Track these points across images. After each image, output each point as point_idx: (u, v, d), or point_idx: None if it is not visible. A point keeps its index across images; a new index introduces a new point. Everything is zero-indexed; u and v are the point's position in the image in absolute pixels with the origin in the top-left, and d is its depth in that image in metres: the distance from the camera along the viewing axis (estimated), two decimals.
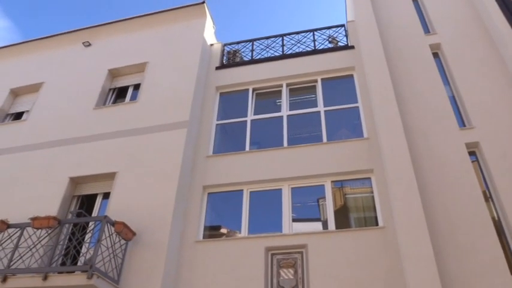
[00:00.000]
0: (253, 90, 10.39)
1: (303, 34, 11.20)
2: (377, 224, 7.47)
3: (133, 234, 7.40)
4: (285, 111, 9.70)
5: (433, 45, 9.65)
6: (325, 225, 7.93)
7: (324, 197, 8.26)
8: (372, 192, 7.97)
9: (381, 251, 7.05)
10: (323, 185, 8.30)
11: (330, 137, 8.92)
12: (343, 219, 7.98)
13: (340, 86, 10.04)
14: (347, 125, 9.50)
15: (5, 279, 6.92)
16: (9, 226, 7.60)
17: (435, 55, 9.58)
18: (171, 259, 7.46)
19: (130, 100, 10.56)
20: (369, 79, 9.06)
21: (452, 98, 8.81)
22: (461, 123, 8.36)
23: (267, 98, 10.41)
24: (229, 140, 9.92)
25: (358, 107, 9.24)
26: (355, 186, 8.49)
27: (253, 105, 10.14)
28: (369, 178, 8.15)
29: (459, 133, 8.03)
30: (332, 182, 8.30)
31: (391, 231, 7.17)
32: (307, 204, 8.68)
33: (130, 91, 10.88)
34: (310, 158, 8.52)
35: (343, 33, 10.98)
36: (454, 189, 7.33)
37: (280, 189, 8.39)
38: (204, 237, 8.14)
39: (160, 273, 7.06)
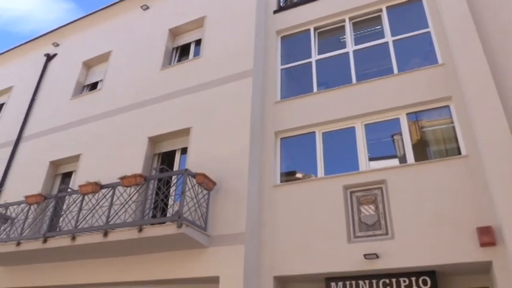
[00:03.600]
0: (315, 29, 10.02)
1: None
2: (459, 154, 7.09)
3: (214, 184, 7.72)
4: (350, 47, 9.28)
5: None
6: (402, 160, 7.68)
7: (398, 133, 7.96)
8: (451, 121, 7.54)
9: (465, 181, 6.74)
10: (398, 119, 7.98)
11: (401, 68, 8.44)
12: (421, 153, 7.67)
13: (408, 13, 9.33)
14: (418, 53, 8.88)
15: (105, 234, 7.62)
16: (102, 187, 8.26)
17: None
18: (252, 204, 7.73)
19: (193, 57, 10.71)
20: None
21: None
22: None
23: (330, 35, 9.99)
24: (295, 83, 9.76)
25: (429, 32, 8.59)
26: (432, 118, 8.04)
27: (317, 45, 9.80)
28: (447, 106, 7.68)
29: None
30: (407, 114, 7.95)
31: (476, 160, 6.79)
32: (382, 141, 8.41)
33: (192, 47, 11.02)
34: (381, 92, 8.17)
35: None
36: None
37: (353, 127, 8.21)
38: (281, 182, 8.29)
39: (243, 218, 7.38)
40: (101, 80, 11.95)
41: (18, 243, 8.70)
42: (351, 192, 7.50)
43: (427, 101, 7.76)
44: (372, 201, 7.32)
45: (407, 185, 7.10)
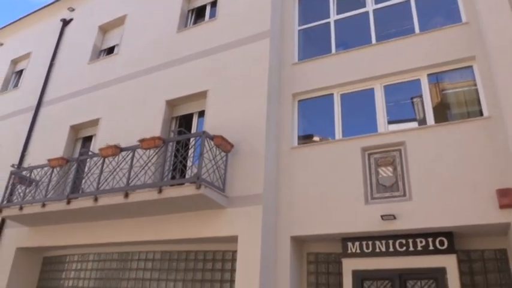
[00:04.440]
0: None
1: None
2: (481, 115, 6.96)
3: (232, 146, 7.77)
4: (370, 6, 8.98)
5: None
6: (422, 123, 7.56)
7: (418, 96, 7.80)
8: (474, 83, 7.33)
9: (486, 143, 6.62)
10: (418, 80, 7.81)
11: (423, 27, 8.16)
12: (441, 116, 7.52)
13: None
14: (441, 12, 8.55)
15: (126, 195, 7.80)
16: (122, 150, 8.40)
17: None
18: (270, 166, 7.78)
19: (209, 18, 10.53)
20: None
21: None
22: None
23: None
24: (313, 44, 9.55)
25: None
26: (454, 80, 7.82)
27: (335, 4, 9.51)
28: (471, 67, 7.46)
29: None
30: (428, 75, 7.76)
31: (498, 121, 6.64)
32: (401, 104, 8.27)
33: (208, 9, 10.82)
34: (402, 52, 7.96)
35: None
36: None
37: (372, 88, 8.08)
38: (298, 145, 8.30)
39: (261, 180, 7.45)
40: (117, 45, 11.92)
41: (43, 205, 9.01)
42: (369, 154, 7.47)
43: (449, 61, 7.55)
44: (390, 163, 7.29)
45: (426, 147, 7.02)
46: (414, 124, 7.74)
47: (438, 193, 6.64)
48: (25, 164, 11.00)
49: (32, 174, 9.88)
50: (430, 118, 7.42)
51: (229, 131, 7.92)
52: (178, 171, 7.84)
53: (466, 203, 6.40)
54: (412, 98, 8.05)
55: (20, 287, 10.16)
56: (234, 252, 7.57)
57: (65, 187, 9.59)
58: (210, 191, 7.20)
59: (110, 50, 12.30)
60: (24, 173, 10.07)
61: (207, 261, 8.14)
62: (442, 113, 7.67)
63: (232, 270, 7.61)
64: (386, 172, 7.25)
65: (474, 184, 6.45)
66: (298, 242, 7.71)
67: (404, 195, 6.94)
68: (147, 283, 8.60)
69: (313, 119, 8.91)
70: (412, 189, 6.87)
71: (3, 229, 10.73)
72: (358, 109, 8.28)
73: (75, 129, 11.22)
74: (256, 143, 7.77)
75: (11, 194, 9.95)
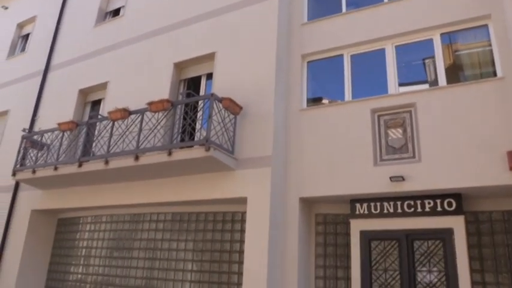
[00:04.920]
0: None
1: None
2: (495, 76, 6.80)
3: (240, 108, 7.74)
4: None
5: None
6: (433, 85, 7.42)
7: (430, 57, 7.62)
8: (488, 44, 7.14)
9: (498, 104, 6.52)
10: (431, 40, 7.61)
11: None
12: (453, 78, 7.36)
13: None
14: None
15: (136, 158, 7.88)
16: (130, 113, 8.41)
17: None
18: (279, 128, 7.76)
19: None
20: None
21: None
22: None
23: None
24: (323, 3, 9.24)
25: None
26: (467, 40, 7.60)
27: None
28: (486, 26, 7.23)
29: None
30: (441, 35, 7.55)
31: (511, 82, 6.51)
32: (413, 65, 8.09)
33: None
34: (414, 11, 7.72)
35: None
36: None
37: (383, 49, 7.90)
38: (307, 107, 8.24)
39: (269, 142, 7.46)
40: (123, 6, 11.71)
41: (56, 168, 9.15)
42: (379, 116, 7.41)
43: (464, 19, 7.32)
44: (400, 125, 7.23)
45: (437, 108, 6.93)
46: (426, 87, 7.61)
47: (448, 155, 6.61)
48: (36, 128, 11.11)
49: (43, 138, 9.99)
50: (442, 79, 7.29)
51: (237, 93, 7.87)
52: (188, 134, 7.86)
53: (476, 165, 6.37)
54: (423, 59, 7.87)
55: (36, 248, 10.50)
56: (244, 213, 7.69)
57: (76, 150, 9.71)
58: (219, 153, 7.24)
59: (116, 12, 12.10)
60: (35, 137, 10.18)
61: (217, 222, 8.31)
62: (454, 74, 7.51)
63: (242, 231, 7.76)
64: (395, 134, 7.21)
65: (484, 146, 6.40)
66: (307, 203, 7.81)
67: (414, 156, 6.92)
68: (159, 243, 8.83)
69: (323, 81, 8.78)
70: (421, 151, 6.85)
71: (17, 192, 10.97)
72: (369, 70, 8.13)
73: (83, 93, 11.23)
74: (265, 105, 7.73)
75: (23, 158, 10.11)
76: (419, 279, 6.76)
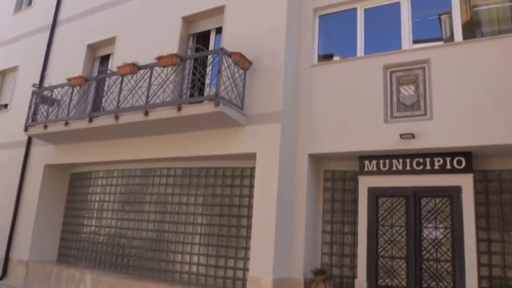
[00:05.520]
0: None
1: None
2: None
3: (250, 63, 7.62)
4: None
5: None
6: (448, 41, 7.21)
7: (447, 12, 7.36)
8: None
9: None
10: None
11: None
12: (469, 34, 7.14)
13: None
14: None
15: (146, 113, 7.89)
16: (139, 68, 8.34)
17: None
18: (289, 84, 7.68)
19: None
20: None
21: None
22: None
23: None
24: None
25: None
26: None
27: None
28: None
29: None
30: None
31: None
32: (428, 21, 7.84)
33: None
34: None
35: None
36: None
37: (398, 2, 7.64)
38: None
39: (279, 97, 7.40)
40: None
41: (66, 123, 9.23)
42: (391, 72, 7.27)
43: None
44: (413, 82, 7.10)
45: (452, 65, 6.77)
46: (440, 43, 7.40)
47: (460, 113, 6.52)
48: (46, 84, 11.12)
49: (53, 94, 10.01)
50: (458, 35, 7.07)
51: (247, 48, 7.71)
52: (197, 89, 7.82)
53: (488, 123, 6.30)
54: (439, 15, 7.62)
55: (51, 202, 10.79)
56: (253, 169, 7.76)
57: (86, 106, 9.75)
58: (229, 108, 7.21)
59: None
60: (45, 92, 10.21)
61: (226, 177, 8.41)
62: (471, 31, 7.29)
63: (251, 186, 7.86)
64: (407, 91, 7.10)
65: (498, 104, 6.30)
66: (316, 160, 7.84)
67: (425, 114, 6.85)
68: (169, 197, 9.01)
69: (335, 37, 8.58)
70: (433, 108, 6.76)
71: (30, 147, 11.15)
72: (382, 26, 7.91)
73: (92, 48, 11.13)
74: (275, 61, 7.60)
75: (34, 114, 10.20)
76: (425, 235, 6.86)
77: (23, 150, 11.18)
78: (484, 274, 6.55)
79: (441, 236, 6.76)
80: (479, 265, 6.48)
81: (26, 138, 11.05)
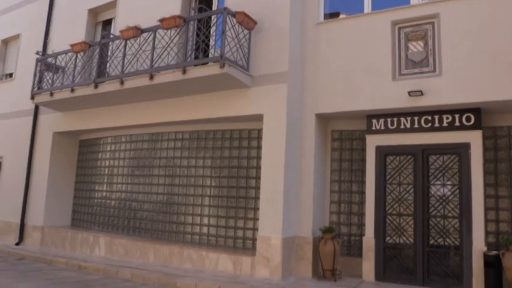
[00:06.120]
0: None
1: None
2: None
3: (255, 23, 7.47)
4: None
5: None
6: None
7: None
8: None
9: None
10: None
11: None
12: None
13: None
14: None
15: (151, 77, 7.84)
16: (143, 31, 8.22)
17: None
18: (295, 43, 7.55)
19: None
20: None
21: None
22: None
23: None
24: None
25: None
26: None
27: None
28: None
29: None
30: None
31: None
32: None
33: None
34: None
35: None
36: None
37: None
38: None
39: (285, 57, 7.30)
40: None
41: (72, 90, 9.22)
42: (399, 28, 7.10)
43: None
44: (422, 37, 6.94)
45: (462, 20, 6.59)
46: None
47: (470, 68, 6.41)
48: (49, 51, 11.03)
49: (57, 61, 9.94)
50: None
51: (251, 7, 7.54)
52: (201, 51, 7.72)
53: (498, 79, 6.20)
54: None
55: (61, 168, 10.93)
56: (260, 130, 7.76)
57: (91, 72, 9.69)
58: (234, 69, 7.13)
59: None
60: (49, 59, 10.14)
61: (234, 139, 8.43)
62: None
63: (259, 148, 7.89)
64: (416, 47, 6.95)
65: (508, 60, 6.17)
66: (323, 120, 7.81)
67: (434, 70, 6.73)
68: (178, 161, 9.09)
69: None
70: (442, 65, 6.64)
71: (38, 115, 11.20)
72: None
73: (93, 12, 10.95)
74: (280, 20, 7.44)
75: (40, 81, 10.18)
76: (432, 193, 6.90)
77: (31, 119, 11.24)
78: (490, 229, 6.62)
79: (449, 193, 6.79)
80: (486, 221, 6.53)
81: (33, 106, 11.08)
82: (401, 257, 6.94)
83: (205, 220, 8.52)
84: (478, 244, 6.29)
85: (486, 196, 6.59)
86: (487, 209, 6.57)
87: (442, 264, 6.65)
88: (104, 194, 10.42)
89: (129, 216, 9.70)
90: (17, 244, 10.60)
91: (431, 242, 6.77)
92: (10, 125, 11.83)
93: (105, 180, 10.47)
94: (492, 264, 6.11)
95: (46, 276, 7.33)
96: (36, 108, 11.15)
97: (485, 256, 6.18)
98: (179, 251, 8.04)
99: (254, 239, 7.64)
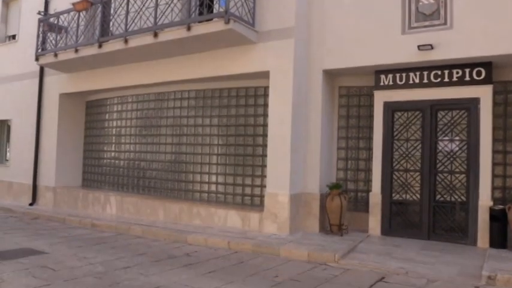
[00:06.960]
0: None
1: None
2: None
3: None
4: None
5: None
6: None
7: None
8: None
9: None
10: None
11: None
12: None
13: None
14: None
15: (155, 35, 7.70)
16: None
17: None
18: None
19: None
20: None
21: None
22: None
23: None
24: None
25: None
26: None
27: None
28: None
29: None
30: None
31: None
32: None
33: None
34: None
35: None
36: None
37: None
38: None
39: (292, 12, 7.15)
40: None
41: (76, 50, 9.13)
42: None
43: None
44: None
45: None
46: None
47: (482, 21, 6.22)
48: (51, 11, 10.83)
49: (60, 20, 9.79)
50: None
51: None
52: (206, 7, 7.54)
53: (510, 32, 6.00)
54: None
55: (70, 130, 11.02)
56: (266, 87, 7.69)
57: (94, 31, 9.55)
58: (239, 25, 6.99)
59: None
60: (51, 19, 9.99)
61: (240, 97, 8.39)
62: None
63: (265, 105, 7.85)
64: None
65: None
66: (330, 76, 7.71)
67: (445, 23, 6.54)
68: (185, 120, 9.11)
69: None
70: (454, 17, 6.46)
71: (44, 77, 11.16)
72: None
73: None
74: None
75: (43, 42, 10.07)
76: (440, 148, 6.88)
77: (37, 81, 11.21)
78: (497, 185, 6.64)
79: (457, 149, 6.77)
80: (494, 176, 6.54)
81: (38, 68, 11.02)
82: (408, 213, 7.02)
83: (214, 178, 8.63)
84: (485, 199, 6.33)
85: (494, 151, 6.56)
86: (494, 164, 6.56)
87: (448, 219, 6.73)
88: (113, 154, 10.53)
89: (139, 176, 9.84)
90: (31, 204, 10.87)
91: (438, 197, 6.82)
92: (17, 88, 11.83)
93: (114, 141, 10.56)
94: (498, 218, 6.19)
95: (61, 233, 7.55)
96: (42, 70, 11.10)
97: (491, 210, 6.23)
98: (188, 209, 8.20)
99: (262, 196, 7.74)
